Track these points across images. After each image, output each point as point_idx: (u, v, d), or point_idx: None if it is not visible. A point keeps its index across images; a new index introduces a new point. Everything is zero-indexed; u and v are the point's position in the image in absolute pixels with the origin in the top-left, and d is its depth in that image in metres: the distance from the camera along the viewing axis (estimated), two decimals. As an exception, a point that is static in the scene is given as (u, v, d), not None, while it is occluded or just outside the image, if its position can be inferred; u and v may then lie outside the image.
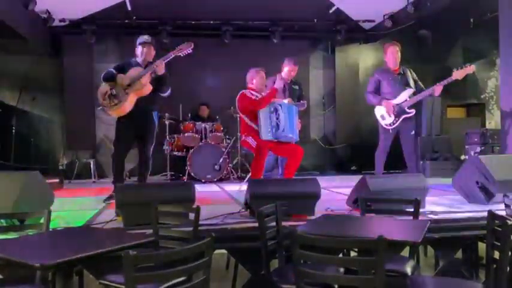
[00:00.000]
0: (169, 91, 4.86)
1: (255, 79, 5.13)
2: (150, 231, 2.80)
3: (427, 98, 5.66)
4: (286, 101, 5.50)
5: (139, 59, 4.83)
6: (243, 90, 5.08)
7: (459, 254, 3.58)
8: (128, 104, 4.61)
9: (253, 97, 4.96)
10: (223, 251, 3.34)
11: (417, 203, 2.93)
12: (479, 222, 3.30)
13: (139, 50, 4.83)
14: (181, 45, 4.72)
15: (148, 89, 4.64)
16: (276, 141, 4.93)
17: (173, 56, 4.67)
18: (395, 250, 3.02)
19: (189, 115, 7.91)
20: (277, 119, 4.84)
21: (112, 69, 4.76)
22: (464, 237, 3.40)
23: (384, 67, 5.68)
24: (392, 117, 5.42)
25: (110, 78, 4.69)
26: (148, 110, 4.80)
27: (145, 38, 4.85)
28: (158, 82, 4.71)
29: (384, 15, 8.36)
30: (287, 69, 5.88)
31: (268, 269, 2.59)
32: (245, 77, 5.24)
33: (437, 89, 5.25)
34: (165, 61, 4.64)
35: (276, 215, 2.79)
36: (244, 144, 5.18)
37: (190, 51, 4.71)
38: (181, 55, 4.70)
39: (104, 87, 4.72)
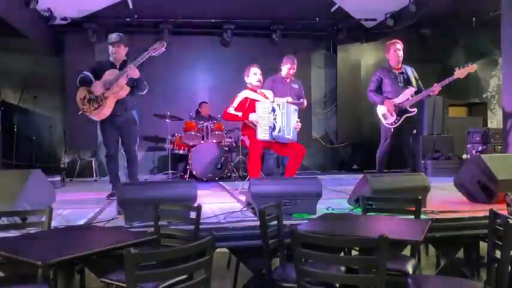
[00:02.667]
0: (146, 89, 4.81)
1: (248, 76, 5.18)
2: (152, 229, 2.80)
3: (428, 97, 5.65)
4: (286, 99, 5.49)
5: (112, 59, 4.78)
6: (243, 92, 5.11)
7: (460, 253, 3.58)
8: (108, 108, 4.63)
9: (236, 113, 5.00)
10: (225, 249, 3.34)
11: (418, 202, 2.93)
12: (480, 222, 3.29)
13: (109, 49, 4.77)
14: (154, 44, 4.65)
15: (125, 91, 4.66)
16: (273, 141, 4.93)
17: (147, 56, 4.61)
18: (396, 249, 3.03)
19: (190, 114, 7.92)
20: (274, 119, 4.84)
21: (87, 73, 4.71)
22: (466, 237, 3.40)
23: (385, 66, 5.67)
24: (394, 116, 5.41)
25: (87, 83, 4.68)
26: (128, 110, 4.81)
27: (113, 36, 4.73)
28: (134, 83, 4.71)
29: (385, 14, 8.34)
30: (286, 68, 5.87)
31: (269, 267, 2.59)
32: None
33: (436, 88, 5.25)
34: (139, 63, 4.58)
35: (277, 214, 2.79)
36: (242, 143, 5.22)
37: (164, 49, 4.64)
38: (156, 55, 4.64)
39: (82, 91, 4.72)
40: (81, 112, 4.75)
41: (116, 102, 4.67)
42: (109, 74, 4.65)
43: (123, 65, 4.69)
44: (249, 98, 5.06)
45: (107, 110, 4.64)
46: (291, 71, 5.87)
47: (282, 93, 5.73)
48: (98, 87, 4.63)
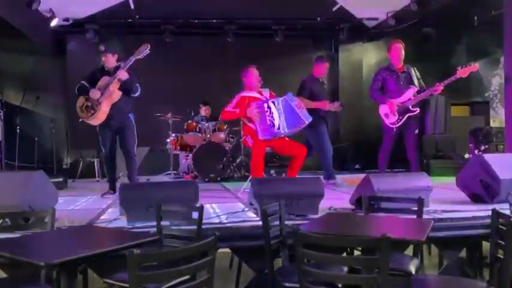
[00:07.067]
0: (138, 91, 5.05)
1: (246, 77, 5.20)
2: (154, 230, 2.81)
3: (430, 96, 5.64)
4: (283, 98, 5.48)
5: (105, 67, 5.09)
6: (241, 93, 5.13)
7: (463, 253, 3.58)
8: (103, 112, 4.95)
9: (234, 109, 5.07)
10: (227, 250, 3.34)
11: (421, 202, 2.93)
12: (483, 221, 3.28)
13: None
14: (139, 48, 4.89)
15: (117, 95, 4.95)
16: (276, 139, 4.95)
17: (134, 60, 4.87)
18: (399, 249, 3.02)
19: (192, 114, 7.91)
20: (272, 117, 4.85)
21: (84, 82, 5.04)
22: (468, 236, 3.39)
23: (387, 65, 5.67)
24: (397, 116, 5.40)
25: (85, 92, 5.00)
26: (123, 113, 5.06)
27: (100, 48, 5.14)
28: (125, 86, 4.96)
29: (387, 13, 8.34)
30: (320, 68, 5.99)
31: (271, 267, 2.59)
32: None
33: (438, 87, 5.23)
34: (126, 67, 4.88)
35: (279, 214, 2.79)
36: (244, 143, 5.24)
37: (148, 51, 4.87)
38: (141, 57, 4.88)
39: (80, 100, 5.06)
40: (81, 120, 5.09)
41: (111, 106, 4.96)
42: (102, 80, 4.97)
43: (116, 71, 4.95)
44: (247, 96, 5.10)
45: (102, 115, 4.95)
46: (325, 71, 6.08)
47: (320, 92, 5.86)
48: (95, 92, 4.92)
